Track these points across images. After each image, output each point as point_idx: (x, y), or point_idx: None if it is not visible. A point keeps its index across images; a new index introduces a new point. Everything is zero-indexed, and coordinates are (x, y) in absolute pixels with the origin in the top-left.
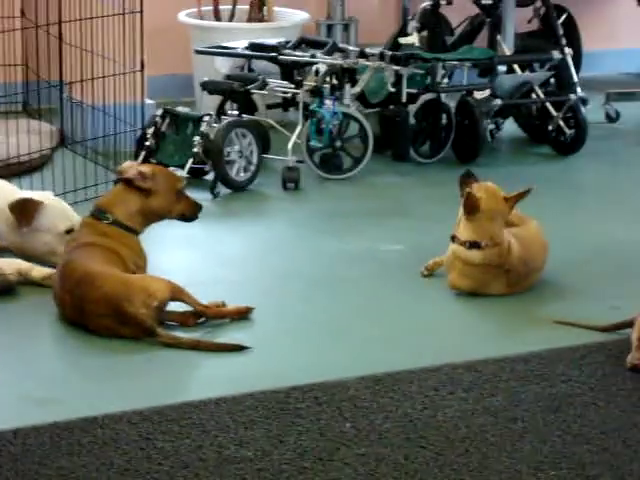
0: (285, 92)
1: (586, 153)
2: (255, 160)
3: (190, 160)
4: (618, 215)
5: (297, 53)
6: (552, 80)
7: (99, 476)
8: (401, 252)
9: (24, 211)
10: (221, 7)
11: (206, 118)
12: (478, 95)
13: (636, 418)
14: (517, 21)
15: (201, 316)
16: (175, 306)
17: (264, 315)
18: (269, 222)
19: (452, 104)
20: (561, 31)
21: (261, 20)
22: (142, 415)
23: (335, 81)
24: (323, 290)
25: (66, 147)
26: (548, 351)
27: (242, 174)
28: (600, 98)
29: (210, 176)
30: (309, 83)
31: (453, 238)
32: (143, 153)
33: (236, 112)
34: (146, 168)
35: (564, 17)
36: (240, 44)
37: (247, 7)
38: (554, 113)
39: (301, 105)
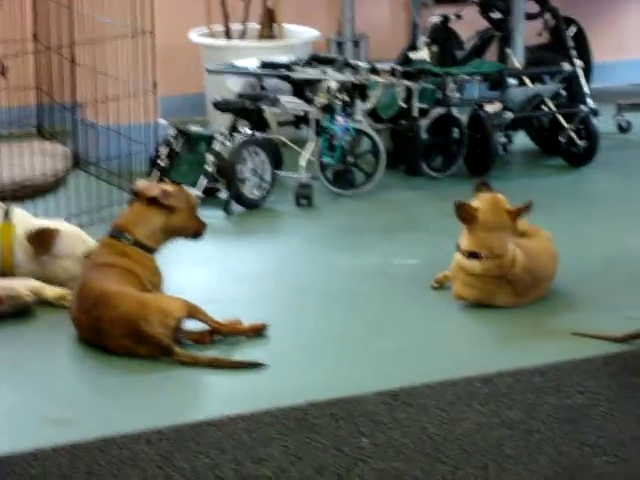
0: (297, 109)
1: (598, 164)
2: (268, 177)
3: (203, 179)
4: (631, 225)
5: (308, 70)
6: (563, 92)
7: None
8: (415, 266)
9: (42, 240)
10: (232, 26)
11: (219, 137)
12: (489, 108)
13: None
14: (527, 34)
15: (217, 334)
16: (191, 324)
17: (280, 331)
18: (283, 239)
19: (463, 118)
20: (571, 43)
21: (272, 38)
22: (160, 434)
23: (346, 97)
24: (338, 305)
25: (80, 168)
26: (563, 363)
27: (255, 192)
28: (611, 109)
29: (223, 194)
30: (321, 100)
31: (458, 247)
32: (157, 173)
33: (249, 130)
34: (168, 186)
35: (574, 29)
36: (251, 62)
37: (258, 25)
38: (566, 125)
39: (313, 122)
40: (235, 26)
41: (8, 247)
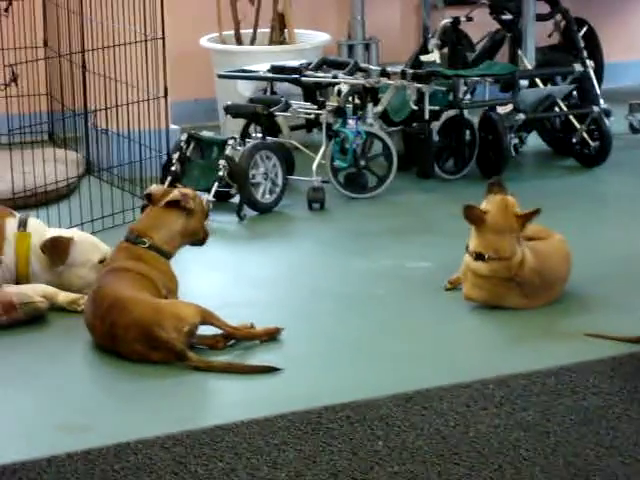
0: (308, 113)
1: (610, 164)
2: (280, 182)
3: (216, 184)
4: None
5: (319, 74)
6: (575, 93)
7: None
8: (428, 269)
9: (56, 250)
10: (242, 31)
11: (230, 142)
12: (501, 110)
13: None
14: (538, 35)
15: (231, 339)
16: (205, 329)
17: (294, 335)
18: (296, 242)
19: (475, 120)
20: (582, 44)
21: (282, 43)
22: (175, 439)
23: (357, 101)
24: (352, 309)
25: (92, 175)
26: (578, 364)
27: (268, 196)
28: (623, 109)
29: (236, 199)
30: (332, 103)
31: (467, 248)
32: (169, 178)
33: (260, 135)
34: (186, 190)
35: (585, 30)
36: (262, 67)
37: (268, 30)
38: (578, 126)
39: (324, 126)
40: (246, 31)
41: (24, 257)
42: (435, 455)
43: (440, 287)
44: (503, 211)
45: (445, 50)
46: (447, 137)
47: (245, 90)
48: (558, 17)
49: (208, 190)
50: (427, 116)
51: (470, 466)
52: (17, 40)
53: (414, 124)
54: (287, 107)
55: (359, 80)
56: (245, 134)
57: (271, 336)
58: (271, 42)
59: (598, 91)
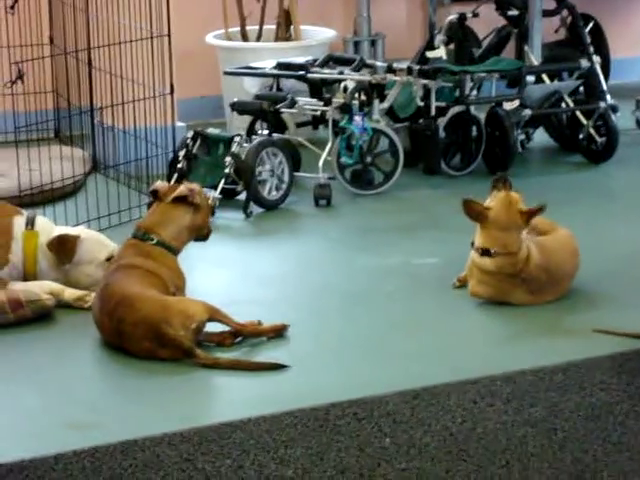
0: (314, 110)
1: (617, 160)
2: (286, 178)
3: (222, 181)
4: None
5: (325, 71)
6: (581, 89)
7: None
8: (435, 265)
9: (63, 248)
10: (248, 28)
11: (237, 139)
12: (508, 106)
13: None
14: (544, 31)
15: (238, 336)
16: (212, 326)
17: (301, 332)
18: (303, 239)
19: (482, 116)
20: (588, 39)
21: (288, 39)
22: (182, 436)
23: (364, 97)
24: (359, 305)
25: (99, 172)
26: (585, 360)
27: (274, 193)
28: (630, 105)
29: (242, 196)
30: (338, 100)
31: (472, 244)
32: (175, 175)
33: (266, 131)
34: (192, 185)
35: (591, 25)
36: (268, 64)
37: (274, 27)
38: (584, 121)
39: (330, 122)
40: (252, 28)
41: (31, 255)
42: (442, 452)
43: (448, 283)
44: (507, 207)
45: (451, 46)
46: (454, 133)
47: (251, 87)
48: (564, 13)
49: (214, 187)
50: (433, 112)
51: (478, 462)
52: (23, 37)
53: (420, 120)
54: (293, 104)
55: (365, 76)
56: (251, 131)
57: (278, 333)
58: (277, 39)
59: (605, 87)
